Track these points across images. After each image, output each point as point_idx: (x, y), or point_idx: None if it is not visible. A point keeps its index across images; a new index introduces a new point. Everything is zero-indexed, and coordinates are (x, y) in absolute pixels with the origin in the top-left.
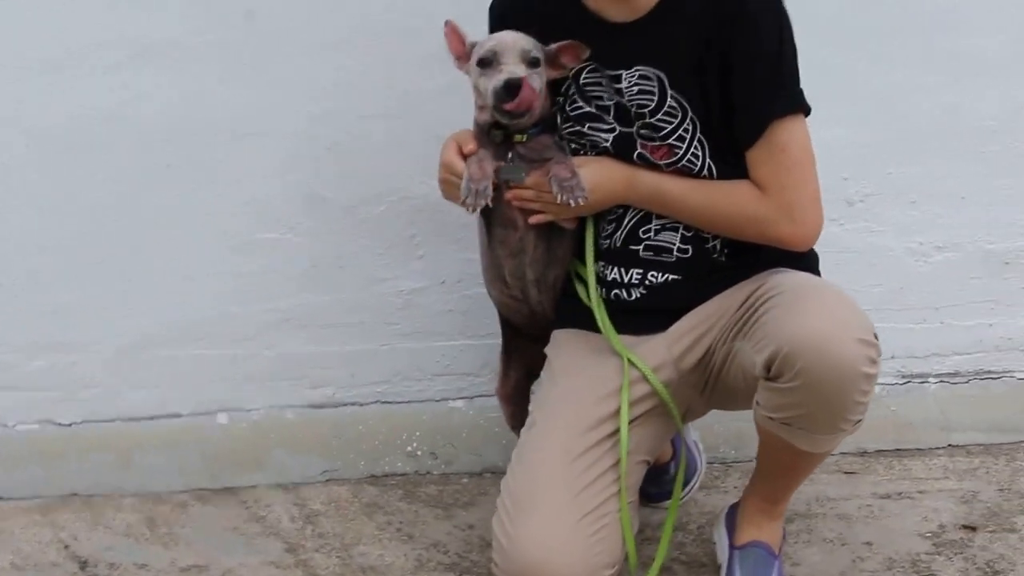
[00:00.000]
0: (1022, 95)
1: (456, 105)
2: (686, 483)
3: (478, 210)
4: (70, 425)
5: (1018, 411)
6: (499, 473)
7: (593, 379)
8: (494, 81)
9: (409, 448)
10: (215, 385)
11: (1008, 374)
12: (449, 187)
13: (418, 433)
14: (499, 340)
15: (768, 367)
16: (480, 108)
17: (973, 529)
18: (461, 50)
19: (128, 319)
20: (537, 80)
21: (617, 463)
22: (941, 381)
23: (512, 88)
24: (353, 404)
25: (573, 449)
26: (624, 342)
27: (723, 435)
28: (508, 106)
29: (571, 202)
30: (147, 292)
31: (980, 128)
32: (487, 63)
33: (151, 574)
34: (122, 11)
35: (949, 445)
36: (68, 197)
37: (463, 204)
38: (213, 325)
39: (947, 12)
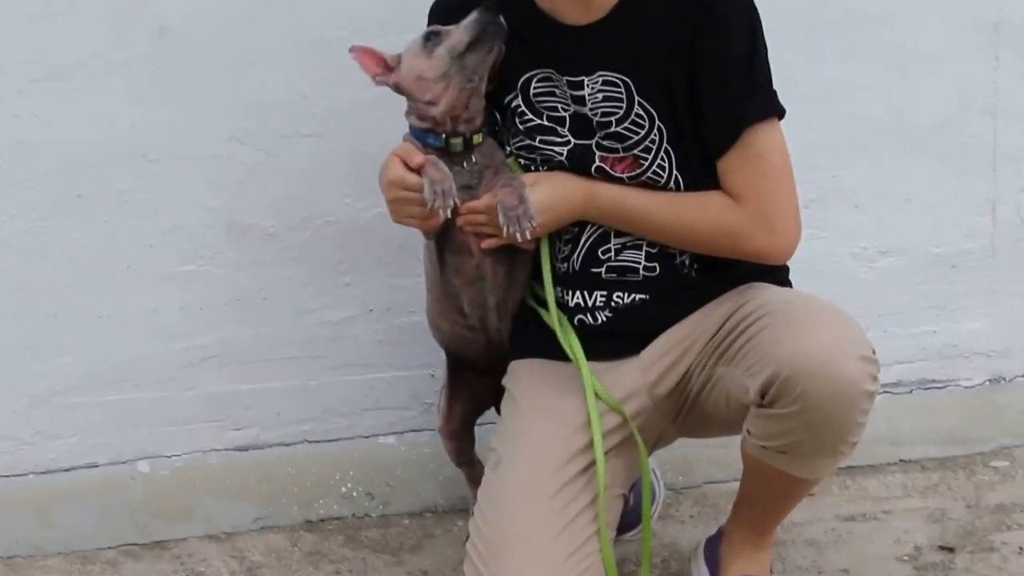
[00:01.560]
0: (968, 91)
1: (381, 120)
2: None
3: (448, 213)
4: None
5: (966, 421)
6: (439, 513)
7: (560, 412)
8: (463, 24)
9: (343, 489)
10: (134, 431)
11: (953, 383)
12: (402, 205)
13: (351, 473)
14: (429, 371)
15: (763, 393)
16: (428, 104)
17: (951, 550)
18: (382, 63)
19: (38, 365)
20: None
21: (594, 500)
22: (885, 392)
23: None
24: (279, 445)
25: (547, 487)
26: (594, 369)
27: (669, 461)
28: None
29: (517, 234)
30: (57, 335)
31: (925, 127)
32: (434, 34)
33: None
34: (21, 32)
35: (900, 460)
36: None
37: (425, 219)
38: (130, 368)
39: (890, 4)
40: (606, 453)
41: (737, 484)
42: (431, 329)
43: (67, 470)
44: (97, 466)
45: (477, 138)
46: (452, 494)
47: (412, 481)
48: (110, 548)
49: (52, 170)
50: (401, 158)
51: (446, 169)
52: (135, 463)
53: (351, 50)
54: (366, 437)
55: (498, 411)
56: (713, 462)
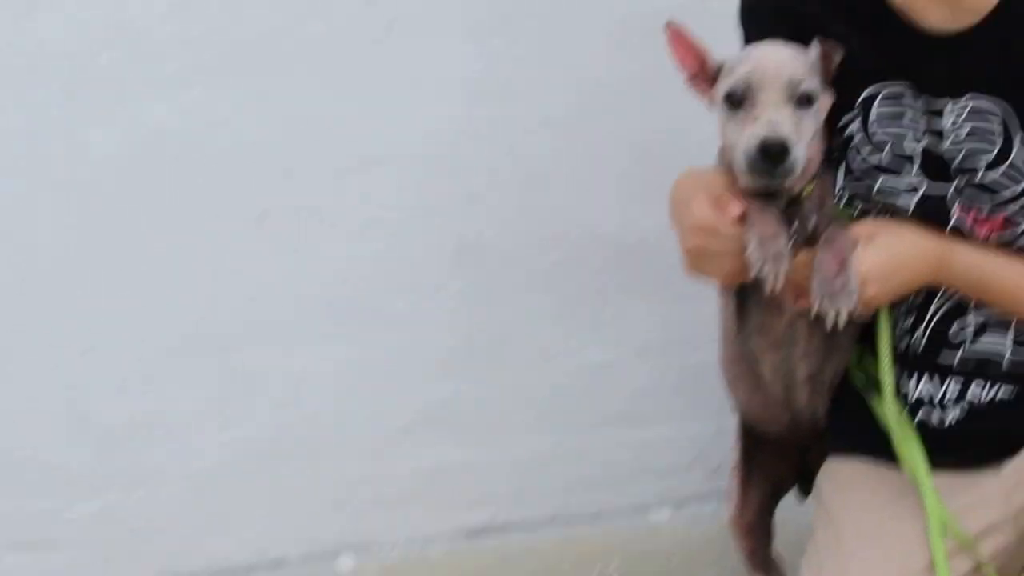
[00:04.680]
0: None
1: (667, 97)
2: None
3: (780, 284)
4: None
5: None
6: None
7: (893, 545)
8: (747, 135)
9: None
10: (332, 516)
11: None
12: (707, 258)
13: (616, 563)
14: (714, 424)
15: None
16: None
17: None
18: (696, 66)
19: (210, 435)
20: (810, 124)
21: None
22: None
23: (773, 152)
24: (522, 529)
25: None
26: (939, 484)
27: None
28: (768, 181)
29: (831, 314)
30: (223, 397)
31: None
32: (737, 100)
33: None
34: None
35: None
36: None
37: (736, 275)
38: (321, 435)
39: None
40: None
41: None
42: (726, 387)
43: (247, 569)
44: (286, 564)
45: (808, 190)
46: None
47: (693, 572)
48: None
49: (231, 182)
50: (711, 196)
51: (778, 223)
52: (336, 558)
53: (667, 26)
54: (634, 512)
55: (802, 492)
56: None
